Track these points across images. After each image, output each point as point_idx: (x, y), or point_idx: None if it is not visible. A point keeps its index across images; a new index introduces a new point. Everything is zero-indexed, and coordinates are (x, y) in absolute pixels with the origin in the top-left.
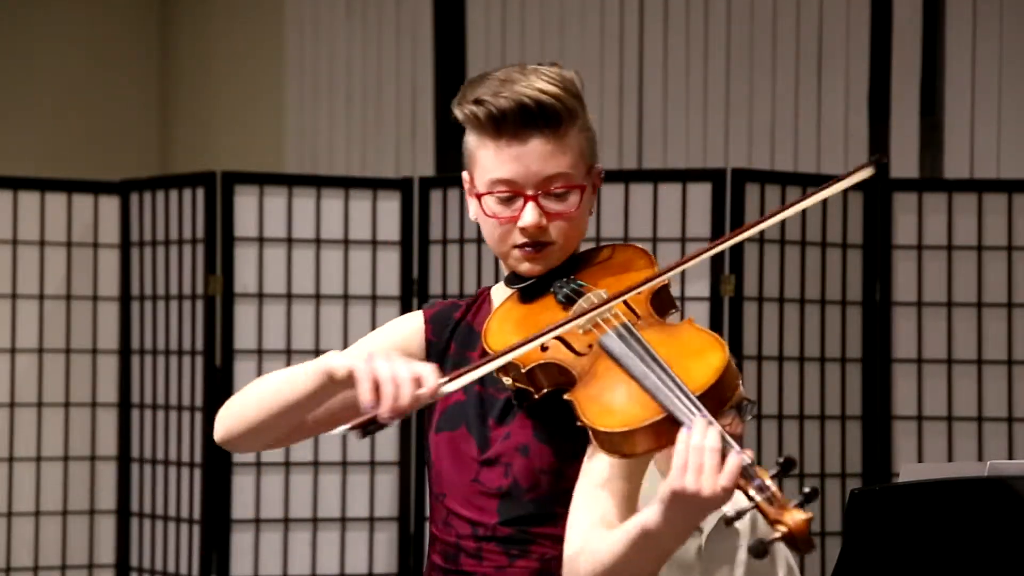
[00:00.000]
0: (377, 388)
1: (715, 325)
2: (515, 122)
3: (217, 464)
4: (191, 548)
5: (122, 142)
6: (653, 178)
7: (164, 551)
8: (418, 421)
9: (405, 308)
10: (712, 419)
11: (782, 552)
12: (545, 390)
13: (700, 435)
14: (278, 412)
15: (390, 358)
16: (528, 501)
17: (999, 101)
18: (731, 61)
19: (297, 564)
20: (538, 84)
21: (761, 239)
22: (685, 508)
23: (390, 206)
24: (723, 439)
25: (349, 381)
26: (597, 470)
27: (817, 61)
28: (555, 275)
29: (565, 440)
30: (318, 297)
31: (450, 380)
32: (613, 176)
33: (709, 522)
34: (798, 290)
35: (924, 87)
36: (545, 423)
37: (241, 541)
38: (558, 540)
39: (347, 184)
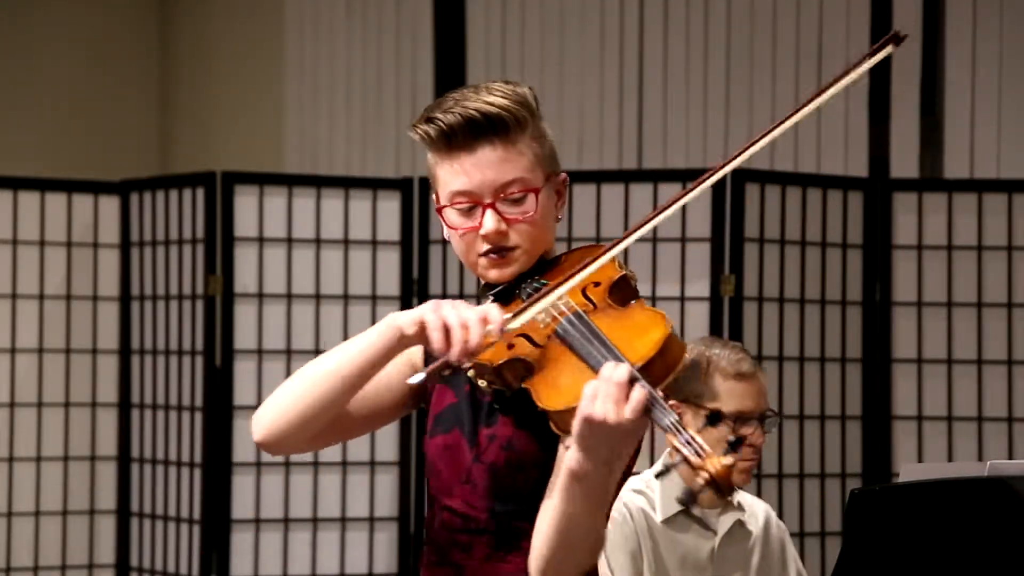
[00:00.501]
0: (447, 334)
1: (715, 325)
2: (464, 134)
3: (217, 464)
4: (191, 548)
5: (122, 142)
6: (653, 178)
7: (164, 551)
8: (418, 422)
9: (405, 308)
10: (623, 359)
11: (792, 555)
12: (514, 386)
13: (609, 369)
14: (335, 391)
15: (455, 305)
16: (519, 496)
17: (999, 101)
18: (731, 61)
19: (297, 564)
20: (486, 98)
21: (761, 239)
22: (597, 437)
23: (390, 206)
24: (632, 377)
25: (419, 335)
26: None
27: (817, 61)
28: (523, 279)
29: (545, 433)
30: (318, 297)
31: (514, 316)
32: (613, 176)
33: (723, 525)
34: (798, 290)
35: (924, 87)
36: (525, 419)
37: (241, 541)
38: None
39: (347, 184)
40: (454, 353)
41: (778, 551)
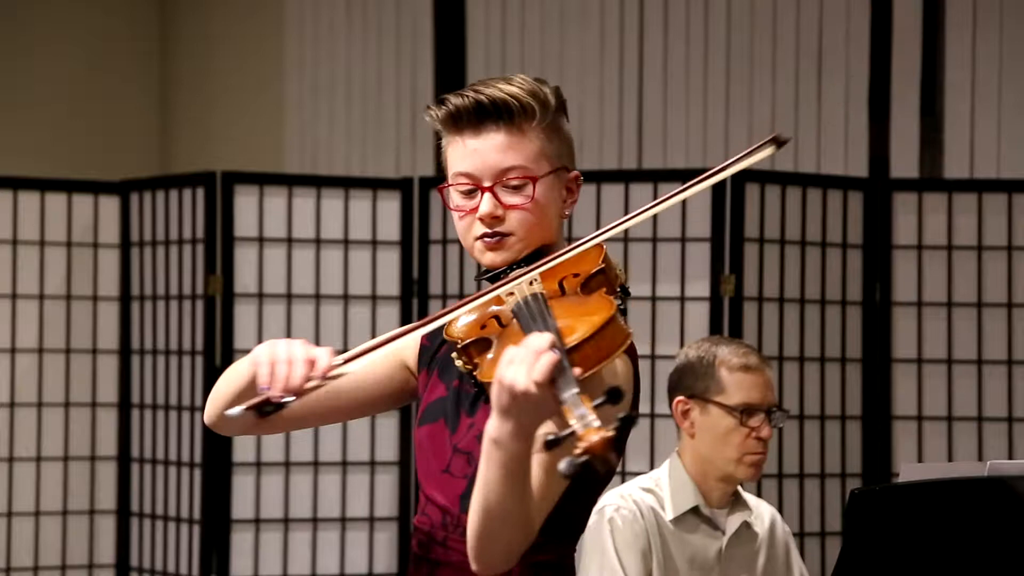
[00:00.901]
0: (273, 370)
1: (715, 325)
2: (471, 117)
3: (217, 464)
4: (191, 548)
5: (122, 142)
6: (653, 178)
7: (164, 551)
8: None
9: (405, 308)
10: (546, 331)
11: (796, 559)
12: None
13: (533, 338)
14: (234, 398)
15: (290, 343)
16: None
17: (999, 101)
18: (731, 61)
19: (297, 564)
20: (500, 85)
21: (761, 239)
22: (508, 401)
23: (390, 206)
24: (550, 343)
25: (251, 370)
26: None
27: (817, 61)
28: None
29: None
30: (318, 297)
31: (344, 362)
32: (613, 176)
33: (731, 525)
34: (798, 290)
35: (924, 87)
36: None
37: (241, 541)
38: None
39: (347, 184)
40: (273, 388)
41: (783, 554)
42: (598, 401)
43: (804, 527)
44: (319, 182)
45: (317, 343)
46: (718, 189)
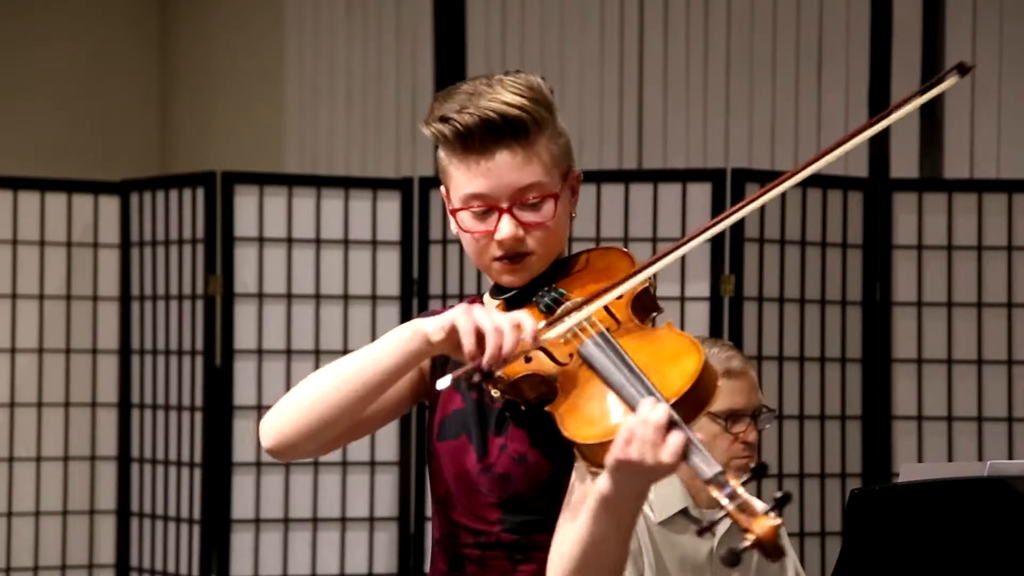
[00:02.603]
0: (480, 339)
1: (715, 325)
2: (482, 137)
3: (217, 464)
4: (191, 548)
5: (122, 142)
6: (653, 178)
7: (164, 551)
8: (418, 422)
9: (405, 308)
10: (660, 398)
11: (791, 556)
12: (531, 400)
13: (647, 409)
14: (353, 400)
15: (486, 310)
16: (531, 509)
17: (999, 101)
18: (731, 61)
19: (297, 564)
20: (503, 96)
21: (761, 239)
22: (631, 475)
23: (390, 206)
24: (671, 420)
25: (447, 340)
26: (580, 491)
27: (817, 61)
28: (538, 283)
29: (560, 448)
30: (318, 297)
31: (547, 325)
32: (613, 176)
33: (721, 526)
34: (798, 290)
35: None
36: (539, 432)
37: (241, 541)
38: None
39: (347, 184)
40: (487, 359)
41: None
42: (744, 478)
43: (804, 527)
44: (319, 182)
45: (317, 343)
46: (718, 189)
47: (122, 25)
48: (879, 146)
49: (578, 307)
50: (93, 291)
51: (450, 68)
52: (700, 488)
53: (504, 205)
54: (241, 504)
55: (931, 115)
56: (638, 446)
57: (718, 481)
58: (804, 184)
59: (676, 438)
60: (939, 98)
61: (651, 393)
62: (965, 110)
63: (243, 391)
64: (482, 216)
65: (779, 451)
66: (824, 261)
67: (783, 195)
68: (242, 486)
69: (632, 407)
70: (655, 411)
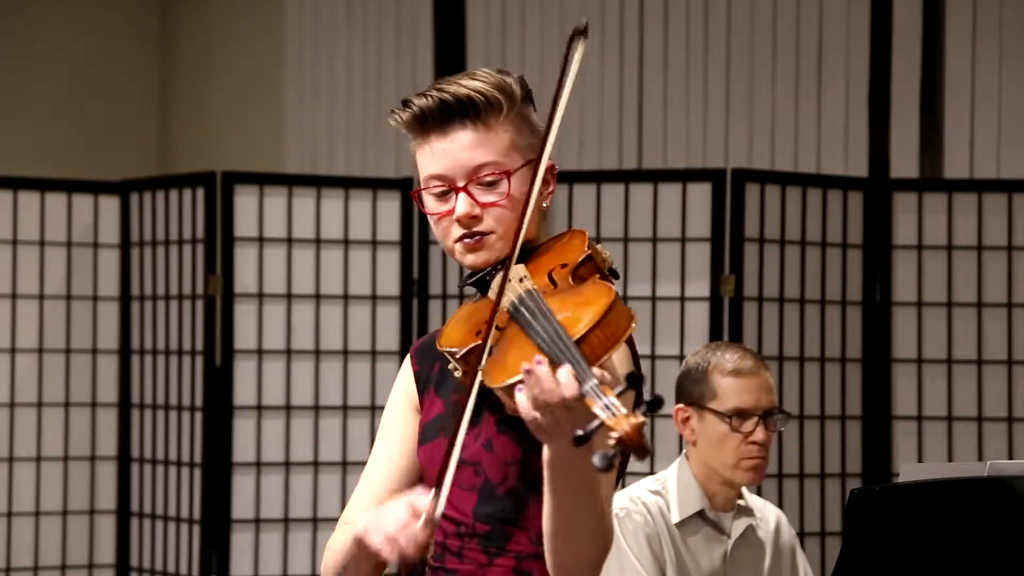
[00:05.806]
0: (391, 540)
1: (715, 325)
2: (436, 118)
3: (217, 464)
4: (191, 548)
5: (122, 142)
6: (653, 178)
7: (164, 551)
8: None
9: (405, 308)
10: (563, 332)
11: (802, 561)
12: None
13: (543, 370)
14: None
15: (387, 509)
16: (501, 496)
17: (999, 101)
18: (731, 61)
19: (297, 564)
20: (463, 81)
21: (761, 239)
22: (546, 425)
23: (390, 206)
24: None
25: (377, 552)
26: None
27: (817, 61)
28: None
29: (524, 429)
30: (318, 297)
31: (433, 496)
32: (613, 176)
33: (736, 529)
34: (798, 290)
35: (924, 87)
36: (507, 419)
37: (241, 541)
38: (534, 538)
39: (347, 184)
40: (401, 564)
41: (789, 556)
42: (619, 389)
43: (804, 527)
44: (319, 182)
45: (317, 343)
46: (718, 189)
47: (122, 25)
48: (879, 146)
49: (505, 276)
50: (93, 291)
51: (450, 68)
52: (716, 491)
53: (460, 183)
54: (241, 504)
55: (931, 115)
56: (540, 406)
57: (594, 393)
58: (804, 184)
59: (564, 373)
60: (939, 98)
61: (560, 336)
62: (965, 110)
63: (243, 391)
64: (442, 197)
65: (779, 451)
66: (824, 261)
67: (783, 195)
68: (242, 486)
69: (542, 350)
70: (541, 367)
